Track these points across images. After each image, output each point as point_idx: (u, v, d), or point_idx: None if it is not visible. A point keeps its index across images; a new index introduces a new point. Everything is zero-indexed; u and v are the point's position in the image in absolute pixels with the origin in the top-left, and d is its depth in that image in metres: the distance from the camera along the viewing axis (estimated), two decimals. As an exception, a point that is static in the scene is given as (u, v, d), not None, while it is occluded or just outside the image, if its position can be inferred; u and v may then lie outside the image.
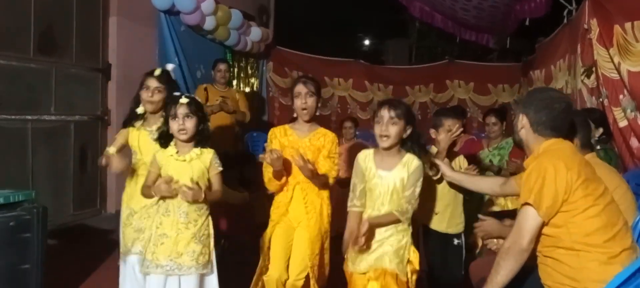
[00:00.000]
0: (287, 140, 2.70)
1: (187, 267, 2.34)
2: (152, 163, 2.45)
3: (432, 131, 2.85)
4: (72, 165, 4.64)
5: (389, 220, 2.30)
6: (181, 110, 2.38)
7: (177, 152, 2.41)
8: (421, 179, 2.32)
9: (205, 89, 4.85)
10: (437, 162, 2.66)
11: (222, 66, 4.99)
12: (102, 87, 4.94)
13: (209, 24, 5.82)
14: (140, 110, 2.74)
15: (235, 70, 7.26)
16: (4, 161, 3.99)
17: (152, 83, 2.69)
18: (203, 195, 2.34)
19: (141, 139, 2.70)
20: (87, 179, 4.82)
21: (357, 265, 2.33)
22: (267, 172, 2.65)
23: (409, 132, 2.35)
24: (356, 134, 5.32)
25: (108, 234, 4.33)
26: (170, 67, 2.87)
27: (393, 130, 2.29)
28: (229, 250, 3.82)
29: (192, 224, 2.37)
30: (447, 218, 2.85)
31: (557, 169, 1.84)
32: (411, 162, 2.32)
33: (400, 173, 2.30)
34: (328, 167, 2.64)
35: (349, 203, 2.42)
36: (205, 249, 2.41)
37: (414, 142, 2.39)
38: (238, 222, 4.01)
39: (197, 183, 2.37)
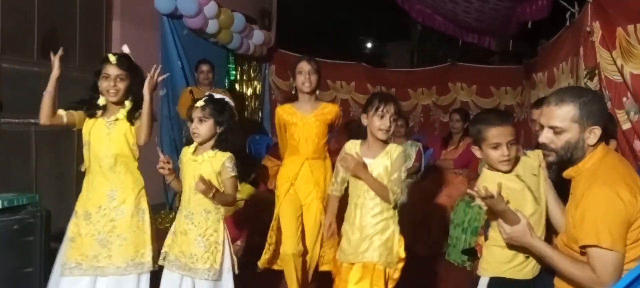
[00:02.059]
0: (295, 118, 2.90)
1: (188, 268, 2.32)
2: (180, 160, 2.49)
3: (474, 148, 2.11)
4: (76, 169, 4.64)
5: (379, 188, 2.35)
6: (195, 114, 2.38)
7: (194, 152, 2.42)
8: (404, 164, 2.42)
9: (191, 91, 4.84)
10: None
11: (204, 67, 5.01)
12: (105, 90, 4.96)
13: (212, 27, 5.83)
14: (101, 101, 2.49)
15: (238, 73, 7.27)
16: (7, 165, 4.01)
17: (113, 71, 2.43)
18: (211, 194, 2.25)
19: (95, 129, 2.46)
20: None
21: (347, 255, 2.41)
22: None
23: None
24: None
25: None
26: (126, 49, 2.59)
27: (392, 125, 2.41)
28: (242, 254, 3.84)
29: (195, 226, 2.33)
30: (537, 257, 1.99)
31: (623, 198, 1.67)
32: (394, 150, 2.41)
33: (384, 161, 2.39)
34: None
35: (330, 187, 2.64)
36: (208, 255, 2.31)
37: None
38: (247, 224, 4.03)
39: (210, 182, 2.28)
